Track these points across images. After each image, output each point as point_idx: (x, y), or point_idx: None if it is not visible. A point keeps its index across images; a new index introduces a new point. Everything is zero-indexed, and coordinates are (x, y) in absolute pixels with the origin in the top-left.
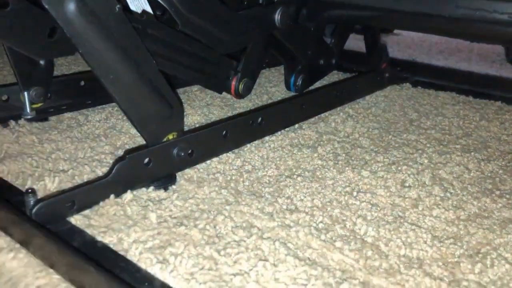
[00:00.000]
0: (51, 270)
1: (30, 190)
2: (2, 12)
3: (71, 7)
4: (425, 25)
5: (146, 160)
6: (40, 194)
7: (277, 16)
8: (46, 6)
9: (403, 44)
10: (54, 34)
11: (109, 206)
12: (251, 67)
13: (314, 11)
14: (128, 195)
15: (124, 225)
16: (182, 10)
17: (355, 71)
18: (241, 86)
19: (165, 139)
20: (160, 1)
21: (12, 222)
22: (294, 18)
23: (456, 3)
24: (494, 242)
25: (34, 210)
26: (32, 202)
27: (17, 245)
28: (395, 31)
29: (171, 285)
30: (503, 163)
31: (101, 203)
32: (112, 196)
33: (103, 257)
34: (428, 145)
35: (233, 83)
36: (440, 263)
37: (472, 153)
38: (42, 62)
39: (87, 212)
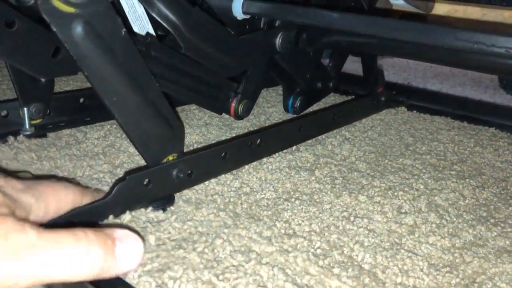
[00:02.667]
0: None
1: None
2: (8, 32)
3: (78, 29)
4: (424, 55)
5: (146, 181)
6: None
7: (278, 41)
8: (54, 29)
9: (398, 67)
10: (58, 54)
11: (108, 227)
12: (251, 89)
13: (313, 36)
14: (127, 216)
15: None
16: (185, 33)
17: (351, 94)
18: (240, 108)
19: (165, 160)
20: (164, 24)
21: None
22: (294, 43)
23: (455, 35)
24: (489, 271)
25: None
26: None
27: None
28: None
29: None
30: (497, 190)
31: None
32: (111, 217)
33: (102, 281)
34: (423, 170)
35: (233, 104)
36: None
37: (467, 180)
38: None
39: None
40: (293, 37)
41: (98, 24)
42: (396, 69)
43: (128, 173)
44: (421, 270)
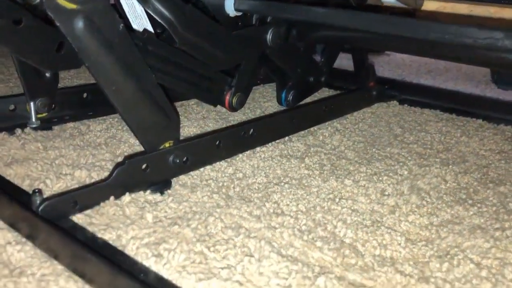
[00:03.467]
0: (55, 262)
1: (37, 190)
2: (15, 29)
3: (80, 24)
4: (412, 48)
5: (144, 165)
6: (45, 195)
7: (269, 36)
8: (57, 24)
9: (393, 64)
10: (62, 49)
11: (109, 206)
12: (244, 82)
13: (302, 31)
14: (126, 197)
15: (123, 224)
16: (179, 28)
17: (344, 89)
18: (234, 100)
19: (162, 147)
20: (159, 20)
21: (20, 219)
22: (285, 38)
23: (442, 29)
24: (462, 245)
25: (40, 208)
26: (38, 201)
27: (24, 239)
28: (386, 52)
29: (164, 276)
30: (478, 175)
31: (101, 204)
32: (112, 197)
33: (103, 252)
34: (409, 158)
35: (227, 97)
36: (411, 262)
37: (450, 166)
38: (48, 74)
39: (88, 212)
40: (283, 33)
41: (97, 19)
42: (391, 66)
43: (128, 157)
44: (399, 244)
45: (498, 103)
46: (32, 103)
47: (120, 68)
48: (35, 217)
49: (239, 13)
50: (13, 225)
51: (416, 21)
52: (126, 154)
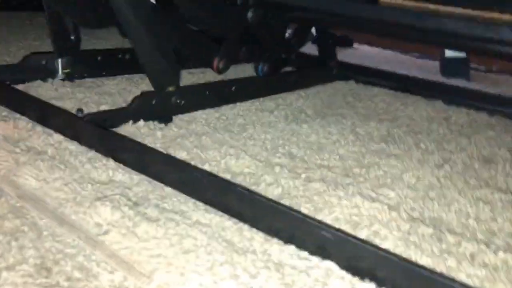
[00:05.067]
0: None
1: (80, 108)
2: None
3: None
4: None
5: (154, 101)
6: None
7: (249, 14)
8: None
9: (359, 56)
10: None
11: (128, 127)
12: (229, 51)
13: (278, 12)
14: (141, 122)
15: (140, 138)
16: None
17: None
18: (220, 65)
19: (167, 90)
20: None
21: (68, 125)
22: (263, 16)
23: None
24: (379, 163)
25: (85, 118)
26: (81, 114)
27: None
28: (354, 46)
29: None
30: (405, 130)
31: (123, 126)
32: (130, 121)
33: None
34: (355, 116)
35: (215, 62)
36: (340, 168)
37: (385, 122)
38: (72, 37)
39: (114, 129)
40: (262, 13)
41: None
42: (357, 58)
43: (143, 93)
44: (335, 159)
45: (434, 84)
46: (59, 60)
47: (144, 31)
48: (83, 123)
49: None
50: (62, 131)
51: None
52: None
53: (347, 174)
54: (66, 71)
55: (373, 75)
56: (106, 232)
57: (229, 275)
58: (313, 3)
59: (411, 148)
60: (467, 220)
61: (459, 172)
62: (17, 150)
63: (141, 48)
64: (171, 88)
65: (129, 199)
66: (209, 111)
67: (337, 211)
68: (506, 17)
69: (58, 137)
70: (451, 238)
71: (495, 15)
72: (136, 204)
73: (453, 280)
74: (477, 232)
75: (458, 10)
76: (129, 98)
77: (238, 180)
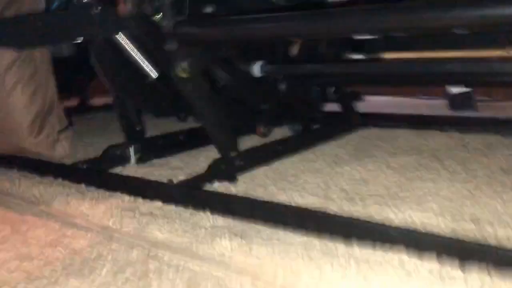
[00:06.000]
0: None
1: (170, 179)
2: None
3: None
4: None
5: (223, 166)
6: None
7: (281, 86)
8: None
9: (372, 106)
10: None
11: (208, 187)
12: (270, 117)
13: (301, 80)
14: (216, 183)
15: None
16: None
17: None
18: (264, 130)
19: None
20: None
21: (165, 194)
22: (291, 86)
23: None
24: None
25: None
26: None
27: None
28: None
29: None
30: (431, 158)
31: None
32: (207, 183)
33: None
34: (385, 155)
35: (260, 128)
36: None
37: (413, 156)
38: (138, 128)
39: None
40: (290, 83)
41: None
42: (374, 107)
43: (214, 161)
44: (380, 189)
45: (448, 117)
46: (131, 147)
47: (211, 113)
48: (174, 188)
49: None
50: (161, 198)
51: None
52: (197, 172)
53: (394, 197)
54: (137, 156)
55: (392, 119)
56: (230, 257)
57: None
58: (328, 68)
59: (440, 172)
60: (500, 216)
61: (485, 183)
62: (136, 215)
63: (209, 125)
64: (233, 154)
65: (235, 234)
66: (263, 168)
67: (396, 222)
68: (496, 53)
69: (157, 203)
70: (489, 229)
71: (486, 53)
72: (241, 236)
73: None
74: (510, 224)
75: (454, 53)
76: (194, 169)
77: None
